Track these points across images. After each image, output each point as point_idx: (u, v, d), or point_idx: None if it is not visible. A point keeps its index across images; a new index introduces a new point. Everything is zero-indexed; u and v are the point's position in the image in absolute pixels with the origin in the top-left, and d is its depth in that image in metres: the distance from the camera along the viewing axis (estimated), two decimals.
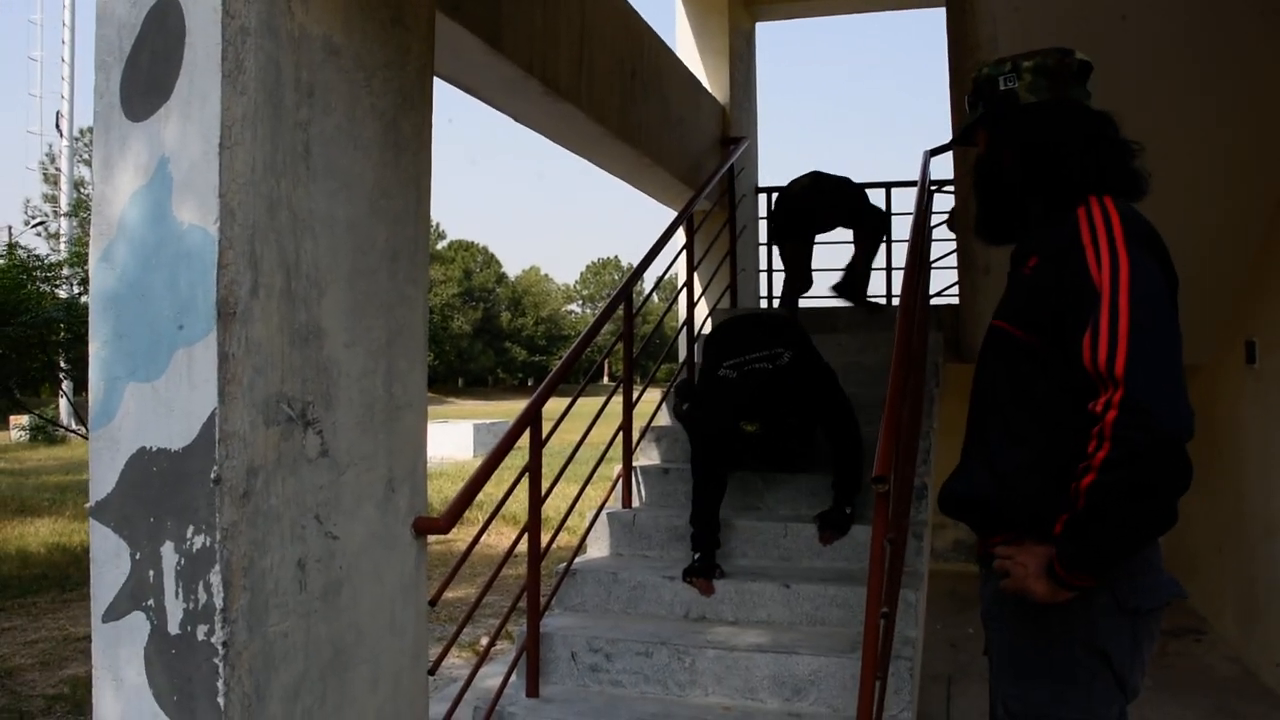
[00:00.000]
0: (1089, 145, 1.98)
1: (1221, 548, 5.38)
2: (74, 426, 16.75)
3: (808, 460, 4.52)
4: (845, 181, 6.42)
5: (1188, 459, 1.73)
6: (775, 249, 6.86)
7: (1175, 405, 1.69)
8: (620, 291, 4.51)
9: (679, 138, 6.69)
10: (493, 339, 73.91)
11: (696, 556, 3.99)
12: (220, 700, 2.23)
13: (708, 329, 6.43)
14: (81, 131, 34.09)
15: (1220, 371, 5.30)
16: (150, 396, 2.26)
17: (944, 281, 7.48)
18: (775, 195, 6.68)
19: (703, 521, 4.05)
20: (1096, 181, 1.94)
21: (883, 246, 6.79)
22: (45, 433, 22.30)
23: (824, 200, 6.29)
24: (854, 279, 6.54)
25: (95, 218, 2.32)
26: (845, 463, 4.18)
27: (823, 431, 4.29)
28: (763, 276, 8.09)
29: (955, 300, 7.02)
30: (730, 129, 7.70)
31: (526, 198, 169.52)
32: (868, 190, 6.66)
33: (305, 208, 2.41)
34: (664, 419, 5.34)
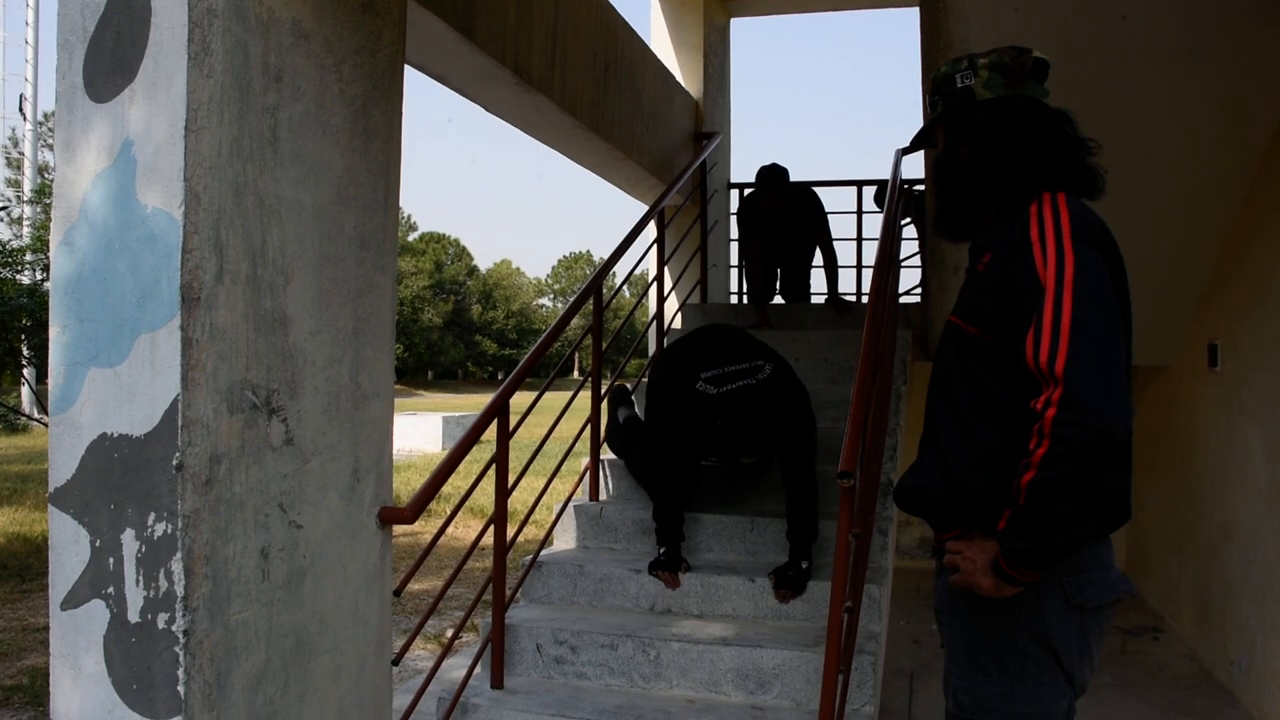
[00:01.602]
0: (1042, 141, 1.99)
1: (1180, 548, 5.46)
2: (36, 415, 16.53)
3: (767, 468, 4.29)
4: (803, 188, 6.48)
5: (1127, 456, 1.75)
6: (740, 252, 6.82)
7: (1114, 403, 1.71)
8: (590, 285, 4.50)
9: (651, 132, 6.69)
10: (463, 332, 73.67)
11: (662, 551, 3.96)
12: (180, 689, 2.21)
13: (678, 323, 6.45)
14: (45, 115, 33.63)
15: (1182, 374, 5.36)
16: (112, 382, 2.23)
17: (913, 280, 7.56)
18: (745, 193, 6.68)
19: (666, 516, 4.00)
20: (1049, 178, 1.96)
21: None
22: (7, 421, 21.97)
23: (787, 209, 6.30)
24: (833, 284, 6.57)
25: (57, 200, 2.29)
26: (801, 509, 3.89)
27: (779, 464, 3.98)
28: (733, 272, 8.11)
29: (918, 299, 7.11)
30: (703, 123, 7.71)
31: (505, 190, 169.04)
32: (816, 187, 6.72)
33: (272, 193, 2.39)
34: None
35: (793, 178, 6.28)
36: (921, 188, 7.23)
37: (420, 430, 18.07)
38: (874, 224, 7.78)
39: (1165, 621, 5.70)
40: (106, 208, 2.22)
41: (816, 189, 6.68)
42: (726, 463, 3.98)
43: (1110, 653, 4.04)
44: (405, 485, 11.07)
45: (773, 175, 6.12)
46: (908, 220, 7.53)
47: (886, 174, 5.81)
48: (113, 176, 2.21)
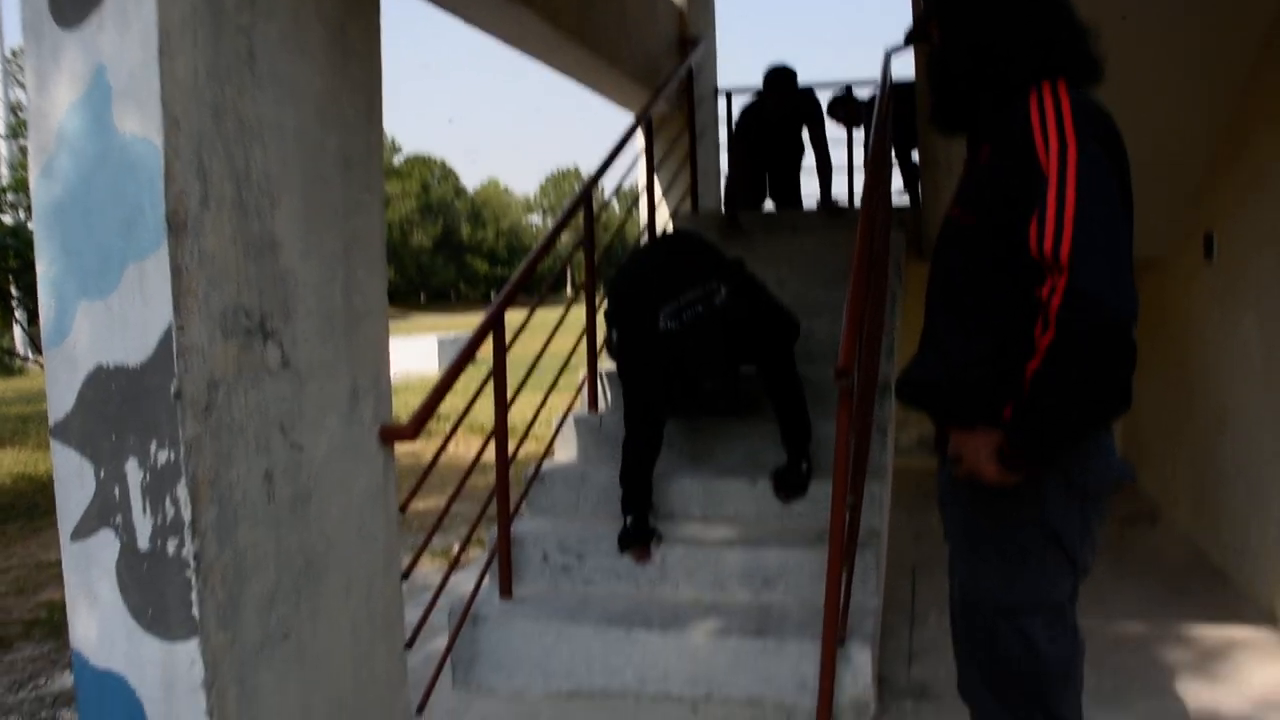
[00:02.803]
0: (1040, 29, 1.95)
1: (1176, 438, 5.51)
2: (31, 356, 16.50)
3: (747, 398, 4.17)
4: (807, 91, 6.41)
5: (1132, 343, 1.75)
6: (728, 150, 6.73)
7: (1119, 289, 1.70)
8: (580, 196, 4.47)
9: (635, 39, 6.56)
10: (453, 253, 73.21)
11: (629, 520, 3.75)
12: (195, 612, 2.24)
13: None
14: (14, 52, 32.89)
15: (1177, 265, 5.35)
16: (103, 313, 2.22)
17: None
18: (749, 102, 6.57)
19: (634, 480, 3.79)
20: (1048, 66, 1.92)
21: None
22: (2, 364, 21.97)
23: (794, 113, 6.25)
24: (826, 185, 6.53)
25: (33, 132, 2.25)
26: (791, 412, 3.86)
27: (760, 374, 3.91)
28: (724, 179, 8.03)
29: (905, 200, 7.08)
30: (688, 29, 7.56)
31: (484, 109, 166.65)
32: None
33: (252, 115, 2.36)
34: None
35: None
36: (866, 94, 7.22)
37: (416, 352, 18.06)
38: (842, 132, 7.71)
39: (1161, 509, 5.78)
40: (84, 137, 2.18)
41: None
42: (697, 398, 3.88)
43: (1107, 540, 4.09)
44: (404, 407, 11.11)
45: (781, 76, 6.06)
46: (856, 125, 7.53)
47: (876, 75, 5.72)
48: (87, 104, 2.17)
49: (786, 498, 3.83)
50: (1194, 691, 3.37)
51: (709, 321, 3.61)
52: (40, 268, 2.30)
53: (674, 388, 3.81)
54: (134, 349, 2.20)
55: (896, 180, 7.02)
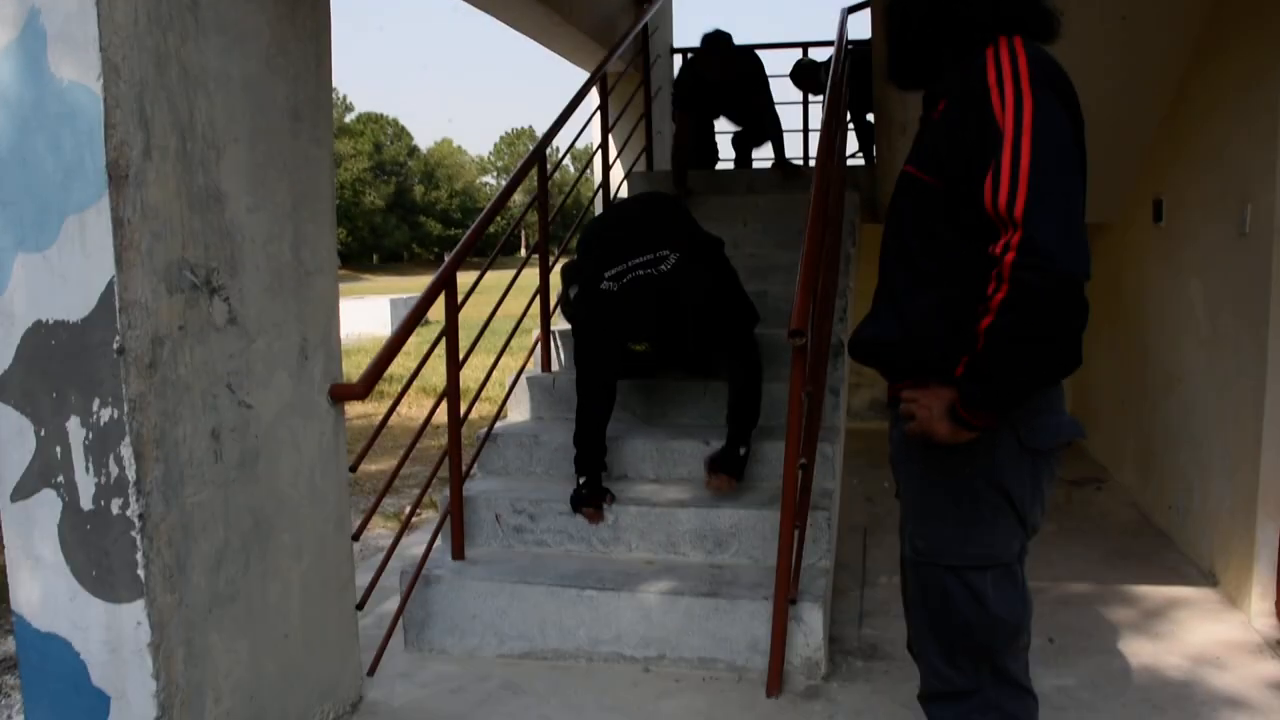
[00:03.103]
0: None
1: (1124, 402, 5.59)
2: None
3: (711, 366, 4.10)
4: (748, 52, 6.32)
5: (1085, 300, 1.76)
6: (672, 118, 6.64)
7: (1073, 247, 1.70)
8: (533, 153, 4.41)
9: None
10: (406, 213, 72.45)
11: (582, 481, 3.71)
12: (140, 572, 2.21)
13: (624, 192, 6.37)
14: None
15: (1127, 230, 5.40)
16: (42, 266, 2.16)
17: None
18: (684, 60, 6.52)
19: (587, 441, 3.74)
20: (1005, 22, 1.91)
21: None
22: None
23: (736, 78, 6.16)
24: (778, 149, 6.50)
25: None
26: (740, 394, 3.74)
27: (719, 349, 3.83)
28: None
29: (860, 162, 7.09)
30: None
31: (435, 65, 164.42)
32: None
33: (196, 64, 2.29)
34: None
35: (740, 39, 6.14)
36: (819, 57, 7.19)
37: (368, 314, 17.89)
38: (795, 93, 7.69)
39: (1108, 472, 5.87)
40: (17, 82, 2.11)
41: (760, 52, 6.55)
42: (658, 349, 3.77)
43: (1055, 503, 4.16)
44: (356, 368, 10.96)
45: (716, 41, 5.97)
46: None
47: (833, 35, 5.70)
48: (20, 48, 2.10)
49: (716, 485, 3.66)
50: (1135, 650, 3.44)
51: (644, 287, 3.60)
52: None
53: (607, 347, 3.74)
54: (75, 304, 2.15)
55: (852, 142, 7.04)
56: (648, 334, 3.64)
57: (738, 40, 6.14)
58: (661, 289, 3.59)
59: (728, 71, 6.07)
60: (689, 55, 6.83)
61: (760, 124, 6.56)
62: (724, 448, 3.72)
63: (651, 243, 3.74)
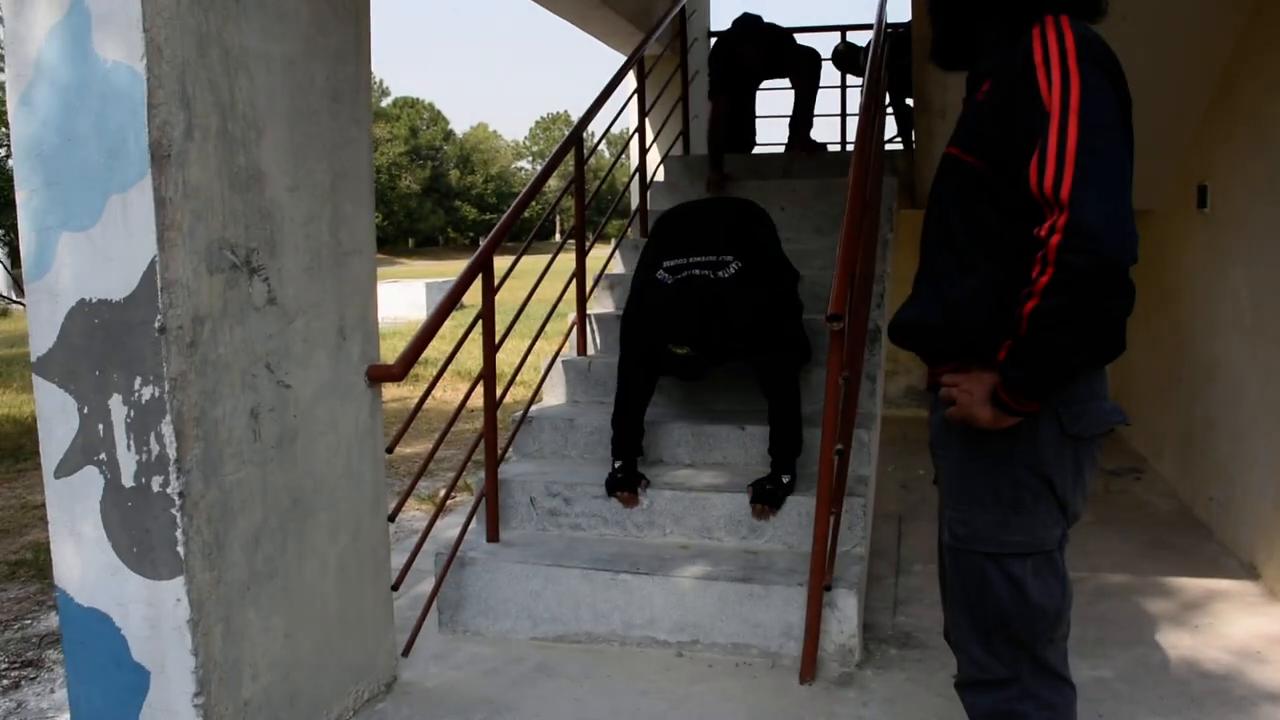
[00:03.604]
0: None
1: (1164, 391, 5.51)
2: (15, 297, 16.32)
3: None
4: (776, 28, 6.26)
5: (1131, 283, 1.73)
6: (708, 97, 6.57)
7: (1120, 229, 1.67)
8: (570, 136, 4.40)
9: None
10: (442, 198, 72.75)
11: (617, 465, 3.72)
12: (180, 550, 2.23)
13: (660, 176, 6.34)
14: None
15: (1171, 216, 5.32)
16: (86, 246, 2.18)
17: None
18: (717, 40, 6.48)
19: (624, 425, 3.74)
20: (1052, 0, 1.87)
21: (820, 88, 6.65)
22: None
23: (764, 49, 6.11)
24: (799, 127, 6.48)
25: (10, 59, 2.19)
26: (780, 420, 3.62)
27: (757, 373, 3.69)
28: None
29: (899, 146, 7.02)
30: None
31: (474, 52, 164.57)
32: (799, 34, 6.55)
33: (237, 44, 2.30)
34: (617, 266, 5.30)
35: (780, 22, 6.10)
36: (859, 41, 7.12)
37: (404, 297, 17.98)
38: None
39: (1147, 463, 5.80)
40: (64, 63, 2.13)
41: (800, 36, 6.51)
42: (700, 353, 3.58)
43: (1094, 492, 4.11)
44: (392, 352, 10.99)
45: (746, 25, 5.92)
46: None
47: (872, 18, 5.64)
48: (66, 29, 2.11)
49: (761, 512, 3.55)
50: (1174, 642, 3.39)
51: (696, 287, 3.49)
52: (20, 198, 2.25)
53: (649, 339, 3.65)
54: (117, 283, 2.17)
55: (891, 126, 6.98)
56: (689, 337, 3.48)
57: (781, 23, 6.12)
58: (712, 293, 3.48)
59: (760, 53, 6.02)
60: (722, 36, 6.76)
61: (797, 101, 6.52)
62: (766, 476, 3.61)
63: (718, 245, 3.65)
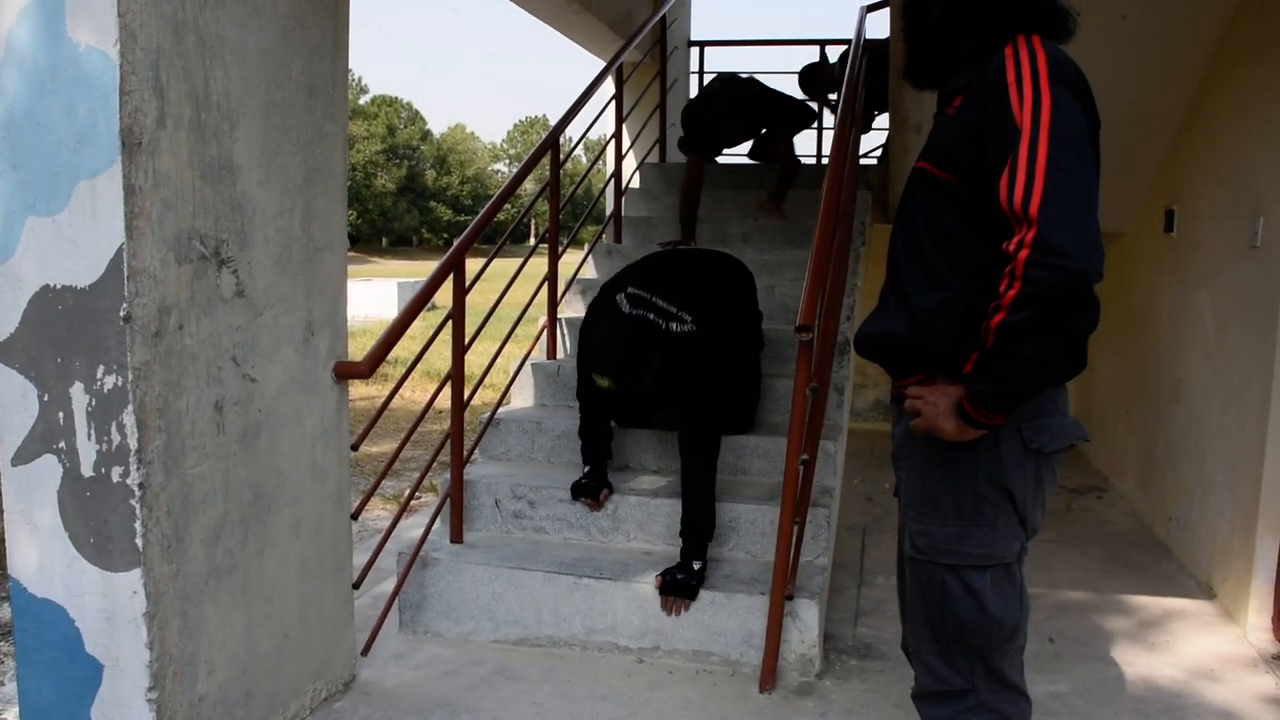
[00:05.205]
0: None
1: (1128, 411, 5.57)
2: None
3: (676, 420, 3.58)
4: (758, 89, 5.78)
5: (1096, 300, 1.76)
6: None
7: (1087, 245, 1.70)
8: (547, 138, 4.40)
9: None
10: (417, 198, 72.38)
11: (586, 470, 3.70)
12: (138, 541, 2.20)
13: (635, 183, 6.35)
14: None
15: (1138, 239, 5.39)
16: (52, 231, 2.16)
17: (874, 142, 7.47)
18: (693, 95, 6.25)
19: (588, 432, 3.73)
20: (1023, 19, 1.90)
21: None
22: None
23: (744, 123, 5.75)
24: (776, 188, 5.84)
25: None
26: (693, 500, 3.37)
27: (679, 437, 3.46)
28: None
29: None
30: None
31: (451, 51, 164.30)
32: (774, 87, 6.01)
33: (213, 33, 2.28)
34: (589, 272, 5.30)
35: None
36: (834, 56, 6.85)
37: (375, 296, 17.91)
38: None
39: (1109, 482, 5.86)
40: (35, 45, 2.10)
41: (778, 49, 6.48)
42: (621, 386, 3.40)
43: (1055, 510, 4.15)
44: (361, 350, 10.95)
45: (726, 96, 5.54)
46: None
47: (849, 33, 5.67)
48: (39, 11, 2.09)
49: (671, 605, 3.27)
50: (1130, 659, 3.43)
51: (643, 331, 3.43)
52: None
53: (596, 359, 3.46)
54: (83, 270, 2.14)
55: (866, 142, 6.98)
56: (613, 371, 3.35)
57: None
58: (654, 343, 3.42)
59: (739, 127, 5.71)
60: (701, 97, 6.04)
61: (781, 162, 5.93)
62: (675, 565, 3.33)
63: (682, 299, 3.52)
